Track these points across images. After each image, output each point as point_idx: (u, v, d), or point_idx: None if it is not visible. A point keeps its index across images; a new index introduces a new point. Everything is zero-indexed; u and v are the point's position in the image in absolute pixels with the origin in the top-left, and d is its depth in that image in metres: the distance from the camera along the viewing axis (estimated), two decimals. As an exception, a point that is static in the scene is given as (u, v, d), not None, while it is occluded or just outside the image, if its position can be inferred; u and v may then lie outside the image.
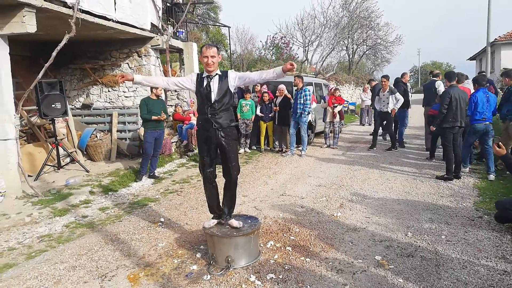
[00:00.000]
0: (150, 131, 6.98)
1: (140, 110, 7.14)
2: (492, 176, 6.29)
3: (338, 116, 9.79)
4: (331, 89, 10.17)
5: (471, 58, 29.67)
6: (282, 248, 3.90)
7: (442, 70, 45.81)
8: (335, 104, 9.74)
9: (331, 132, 10.11)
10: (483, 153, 6.77)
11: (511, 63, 17.67)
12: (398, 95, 9.15)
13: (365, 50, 32.35)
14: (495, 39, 21.96)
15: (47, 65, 6.09)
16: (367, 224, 4.51)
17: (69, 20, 6.03)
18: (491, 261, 3.49)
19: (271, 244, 3.97)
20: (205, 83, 3.57)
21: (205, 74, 3.61)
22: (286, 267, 3.47)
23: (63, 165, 7.45)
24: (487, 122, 6.28)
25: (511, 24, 51.98)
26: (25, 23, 5.49)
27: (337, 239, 4.11)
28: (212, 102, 3.53)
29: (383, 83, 9.49)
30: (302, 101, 8.70)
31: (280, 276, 3.31)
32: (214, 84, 3.55)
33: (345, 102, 19.81)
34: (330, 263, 3.55)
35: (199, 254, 3.80)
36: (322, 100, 10.34)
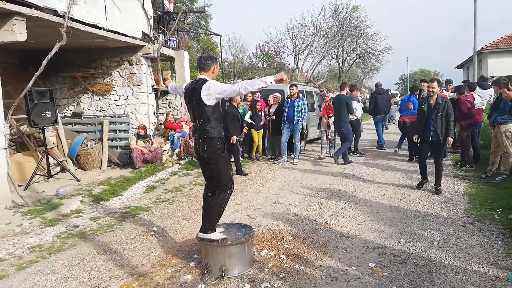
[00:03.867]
0: None
1: None
2: None
3: (332, 126, 9.41)
4: (326, 98, 9.87)
5: (459, 66, 30.21)
6: (276, 256, 3.89)
7: (430, 78, 46.37)
8: (330, 114, 9.29)
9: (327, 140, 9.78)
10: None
11: (498, 71, 18.01)
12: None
13: (355, 59, 32.70)
14: (482, 47, 22.41)
15: (37, 73, 6.06)
16: (360, 232, 4.53)
17: (60, 28, 6.02)
18: (483, 267, 3.53)
19: (265, 253, 3.97)
20: None
21: None
22: (280, 276, 3.46)
23: (53, 174, 7.36)
24: None
25: (497, 33, 53.29)
26: (15, 32, 5.47)
27: (331, 246, 4.12)
28: None
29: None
30: (299, 109, 8.74)
31: (275, 285, 3.30)
32: None
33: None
34: (325, 271, 3.55)
35: (193, 264, 3.77)
36: (317, 109, 10.43)
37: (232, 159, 7.58)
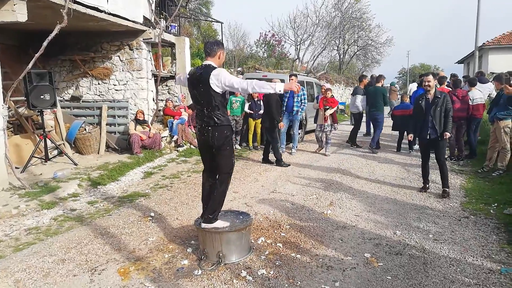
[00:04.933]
0: None
1: None
2: None
3: (329, 119, 8.90)
4: (323, 89, 9.34)
5: (459, 62, 30.12)
6: (273, 244, 3.92)
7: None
8: (327, 107, 8.81)
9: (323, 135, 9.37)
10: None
11: (499, 67, 17.96)
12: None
13: (355, 51, 32.54)
14: (483, 43, 22.34)
15: (37, 55, 6.01)
16: (356, 222, 4.56)
17: (61, 10, 5.95)
18: (477, 260, 3.57)
19: (262, 240, 3.99)
20: None
21: None
22: (277, 263, 3.49)
23: (51, 158, 7.35)
24: None
25: (499, 29, 52.98)
26: (16, 12, 5.41)
27: (327, 236, 4.15)
28: None
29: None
30: (298, 99, 8.72)
31: (271, 272, 3.33)
32: None
33: (339, 104, 19.96)
34: (321, 259, 3.58)
35: (190, 249, 3.80)
36: (315, 100, 10.30)
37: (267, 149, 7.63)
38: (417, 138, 6.18)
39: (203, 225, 3.54)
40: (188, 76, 3.61)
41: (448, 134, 5.54)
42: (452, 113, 5.62)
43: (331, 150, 9.17)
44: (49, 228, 4.48)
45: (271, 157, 7.95)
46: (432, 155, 5.83)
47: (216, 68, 3.43)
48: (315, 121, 9.78)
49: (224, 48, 3.63)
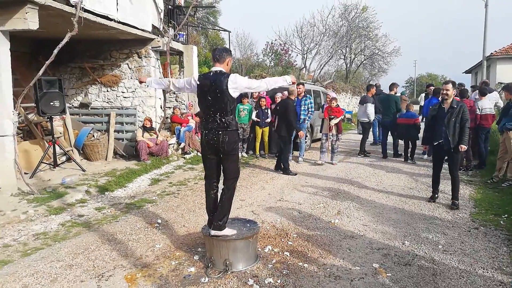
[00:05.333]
0: None
1: None
2: None
3: (334, 129, 8.65)
4: (328, 99, 9.18)
5: (467, 71, 30.00)
6: (280, 253, 3.89)
7: (438, 82, 46.22)
8: (332, 116, 8.61)
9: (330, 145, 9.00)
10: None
11: (507, 77, 17.87)
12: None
13: (362, 60, 32.59)
14: (491, 53, 22.24)
15: (47, 62, 6.09)
16: (364, 232, 4.52)
17: (72, 18, 6.04)
18: (487, 272, 3.51)
19: (269, 249, 3.97)
20: None
21: None
22: (284, 272, 3.47)
23: (59, 164, 7.41)
24: None
25: (507, 39, 52.92)
26: (28, 20, 5.49)
27: (335, 245, 4.12)
28: None
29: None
30: (305, 108, 8.72)
31: (278, 281, 3.30)
32: None
33: (346, 113, 20.03)
34: (328, 269, 3.55)
35: (197, 257, 3.79)
36: (320, 109, 10.23)
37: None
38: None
39: (213, 232, 3.53)
40: (198, 83, 3.59)
41: (463, 147, 5.29)
42: (469, 124, 5.36)
43: (338, 159, 9.12)
44: (57, 233, 4.49)
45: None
46: (445, 165, 5.75)
47: (229, 74, 3.52)
48: (321, 130, 9.57)
49: (232, 56, 3.72)
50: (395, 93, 10.08)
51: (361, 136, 10.60)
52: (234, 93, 3.48)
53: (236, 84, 3.46)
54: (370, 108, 10.09)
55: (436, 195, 5.84)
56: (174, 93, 11.04)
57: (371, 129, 10.92)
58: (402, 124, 9.11)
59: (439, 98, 6.24)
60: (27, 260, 3.73)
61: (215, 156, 3.64)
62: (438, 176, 5.79)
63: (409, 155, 9.15)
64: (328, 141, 8.85)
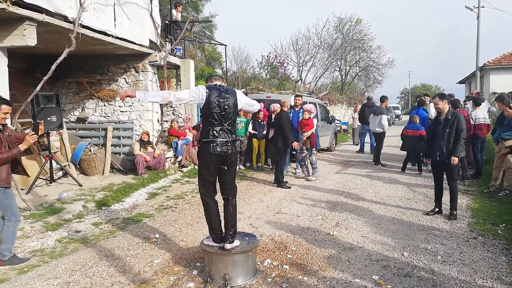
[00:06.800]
0: None
1: None
2: None
3: (308, 143, 8.19)
4: (304, 112, 8.25)
5: (461, 82, 30.32)
6: (279, 266, 3.87)
7: (432, 92, 46.67)
8: (303, 130, 8.17)
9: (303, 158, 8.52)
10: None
11: (500, 87, 18.06)
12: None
13: (357, 72, 32.90)
14: (484, 64, 22.54)
15: (45, 78, 6.12)
16: (363, 243, 4.52)
17: (70, 34, 6.08)
18: (487, 282, 3.51)
19: (268, 262, 3.95)
20: None
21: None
22: (284, 286, 3.45)
23: (56, 179, 7.37)
24: None
25: (500, 49, 53.68)
26: (26, 36, 5.53)
27: (334, 257, 4.10)
28: None
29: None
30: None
31: (278, 295, 3.28)
32: None
33: (342, 124, 20.33)
34: (328, 282, 3.54)
35: (196, 272, 3.76)
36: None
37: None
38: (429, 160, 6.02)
39: (229, 246, 3.55)
40: (207, 91, 3.54)
41: (455, 160, 5.23)
42: (464, 135, 5.29)
43: (317, 175, 8.48)
44: (53, 250, 4.45)
45: (285, 178, 7.98)
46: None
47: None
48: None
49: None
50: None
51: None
52: (239, 105, 3.70)
53: (241, 98, 3.75)
54: (385, 119, 10.16)
55: (438, 209, 5.67)
56: (171, 106, 11.07)
57: (362, 137, 11.32)
58: (409, 136, 9.03)
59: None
60: (23, 278, 3.69)
61: (218, 170, 3.67)
62: (441, 190, 5.66)
63: (416, 166, 9.16)
64: (302, 154, 8.40)
